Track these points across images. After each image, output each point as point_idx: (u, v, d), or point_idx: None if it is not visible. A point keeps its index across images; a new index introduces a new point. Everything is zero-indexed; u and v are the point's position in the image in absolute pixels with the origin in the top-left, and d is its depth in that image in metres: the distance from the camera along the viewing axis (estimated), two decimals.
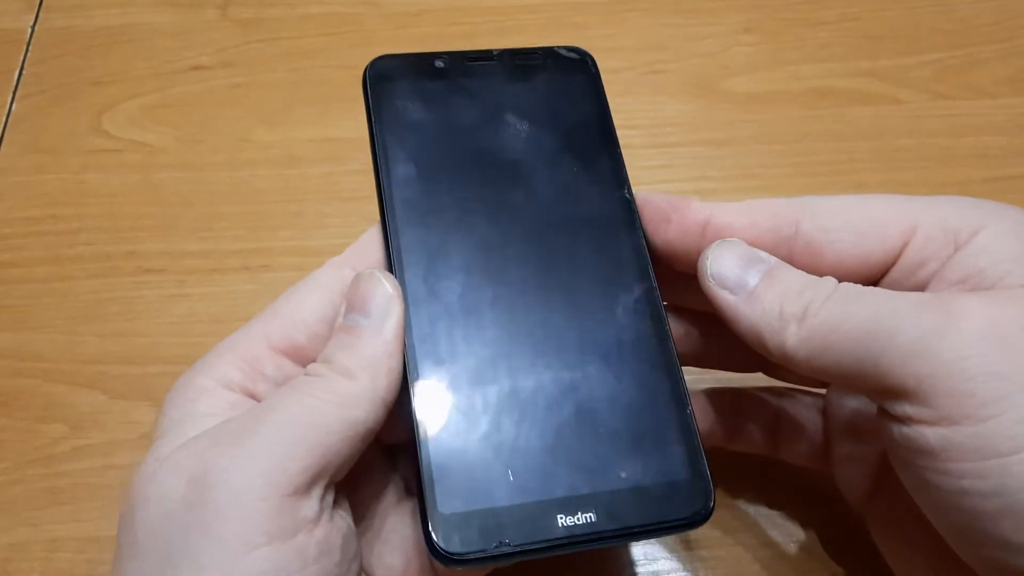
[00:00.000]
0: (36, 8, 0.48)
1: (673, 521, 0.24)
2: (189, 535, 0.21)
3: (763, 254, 0.26)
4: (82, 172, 0.43)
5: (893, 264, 0.25)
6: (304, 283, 0.26)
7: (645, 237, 0.27)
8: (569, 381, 0.25)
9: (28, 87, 0.45)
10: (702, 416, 0.30)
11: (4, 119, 0.44)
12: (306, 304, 0.26)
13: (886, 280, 0.26)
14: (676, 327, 0.29)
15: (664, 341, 0.26)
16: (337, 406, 0.22)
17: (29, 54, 0.46)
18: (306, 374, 0.24)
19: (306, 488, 0.21)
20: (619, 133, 0.44)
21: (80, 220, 0.41)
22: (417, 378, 0.24)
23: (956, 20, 0.48)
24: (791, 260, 0.26)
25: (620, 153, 0.29)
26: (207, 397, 0.24)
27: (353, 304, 0.25)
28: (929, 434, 0.22)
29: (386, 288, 0.25)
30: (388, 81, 0.29)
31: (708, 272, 0.26)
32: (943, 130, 0.44)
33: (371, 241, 0.27)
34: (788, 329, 0.24)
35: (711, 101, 0.45)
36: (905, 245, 0.25)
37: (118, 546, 0.22)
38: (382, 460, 0.28)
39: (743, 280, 0.25)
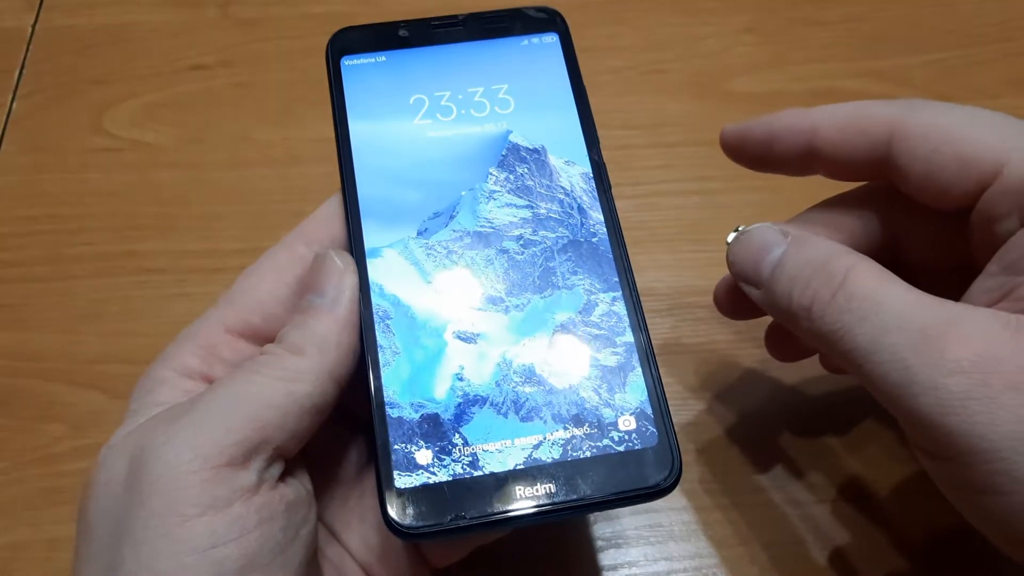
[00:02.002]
0: (37, 7, 0.48)
1: (636, 491, 0.23)
2: (129, 512, 0.21)
3: (777, 237, 0.26)
4: (82, 171, 0.43)
5: (972, 205, 0.25)
6: (258, 264, 0.27)
7: (613, 200, 0.27)
8: (529, 350, 0.25)
9: (28, 86, 0.45)
10: None
11: (4, 118, 0.44)
12: (260, 286, 0.26)
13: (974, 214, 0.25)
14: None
15: (631, 305, 0.26)
16: (281, 381, 0.23)
17: (30, 53, 0.46)
18: (260, 354, 0.24)
19: (242, 460, 0.22)
20: (620, 133, 0.44)
21: (80, 219, 0.41)
22: (373, 351, 0.24)
23: (959, 20, 0.48)
24: (884, 175, 0.26)
25: (591, 114, 0.28)
26: (164, 387, 0.24)
27: (309, 285, 0.25)
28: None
29: (338, 265, 0.25)
30: (351, 53, 0.29)
31: (731, 269, 0.27)
32: None
33: (325, 213, 0.27)
34: (800, 326, 0.24)
35: (712, 101, 0.45)
36: (984, 189, 0.24)
37: (76, 536, 0.23)
38: (362, 442, 0.28)
39: (758, 273, 0.26)
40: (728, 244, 0.27)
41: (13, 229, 0.41)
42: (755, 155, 0.28)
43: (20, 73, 0.46)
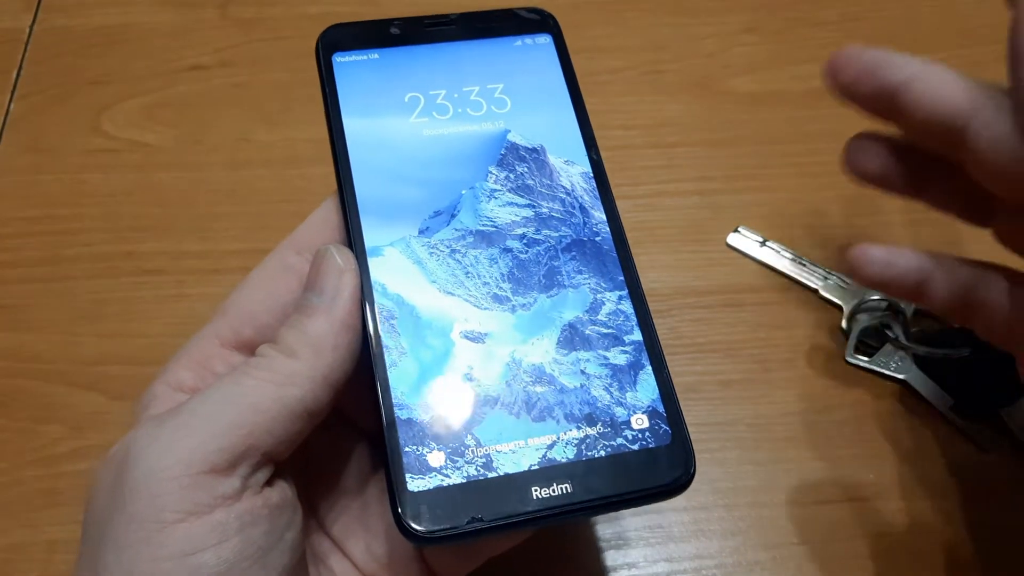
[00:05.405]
0: (35, 8, 0.48)
1: (652, 489, 0.23)
2: (112, 517, 0.21)
3: None
4: (81, 172, 0.42)
5: None
6: (250, 276, 0.26)
7: (614, 199, 0.27)
8: (538, 349, 0.25)
9: (27, 87, 0.45)
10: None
11: (3, 119, 0.44)
12: (251, 297, 0.26)
13: None
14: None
15: (640, 303, 0.25)
16: (272, 384, 0.22)
17: (28, 54, 0.46)
18: (255, 355, 0.24)
19: (227, 466, 0.21)
20: (620, 133, 0.44)
21: (79, 220, 0.41)
22: (379, 352, 0.24)
23: (957, 21, 0.48)
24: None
25: (587, 115, 0.28)
26: (157, 401, 0.24)
27: (309, 283, 0.24)
28: None
29: (337, 263, 0.24)
30: (342, 50, 0.28)
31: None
32: None
33: (317, 219, 0.27)
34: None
35: (712, 101, 0.45)
36: None
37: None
38: (366, 450, 0.28)
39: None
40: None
41: (12, 230, 0.41)
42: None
43: (18, 74, 0.46)
